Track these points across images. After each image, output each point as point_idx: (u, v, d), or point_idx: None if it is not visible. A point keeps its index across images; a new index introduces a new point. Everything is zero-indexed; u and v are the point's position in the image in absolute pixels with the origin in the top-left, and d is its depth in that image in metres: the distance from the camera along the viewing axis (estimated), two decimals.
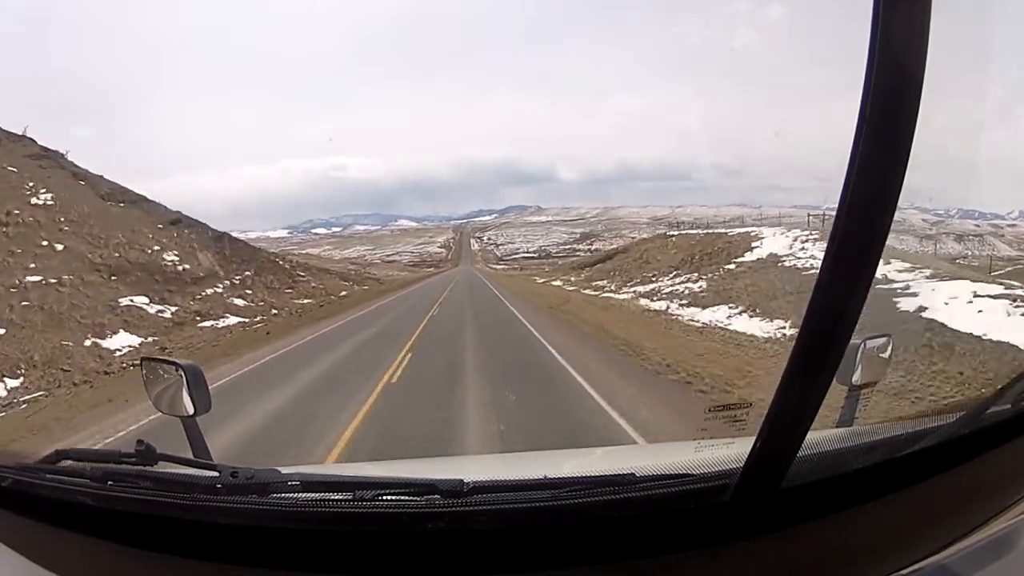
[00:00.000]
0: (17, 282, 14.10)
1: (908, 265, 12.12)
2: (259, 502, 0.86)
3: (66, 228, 17.88)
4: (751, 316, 12.46)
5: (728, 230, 24.18)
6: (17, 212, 17.09)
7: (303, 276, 29.22)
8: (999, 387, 0.96)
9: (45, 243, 16.47)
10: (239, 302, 19.90)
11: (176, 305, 16.98)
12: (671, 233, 31.22)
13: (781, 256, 16.68)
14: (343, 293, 29.43)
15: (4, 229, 16.11)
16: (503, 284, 34.99)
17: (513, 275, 53.24)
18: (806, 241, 17.48)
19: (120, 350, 12.85)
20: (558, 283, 32.82)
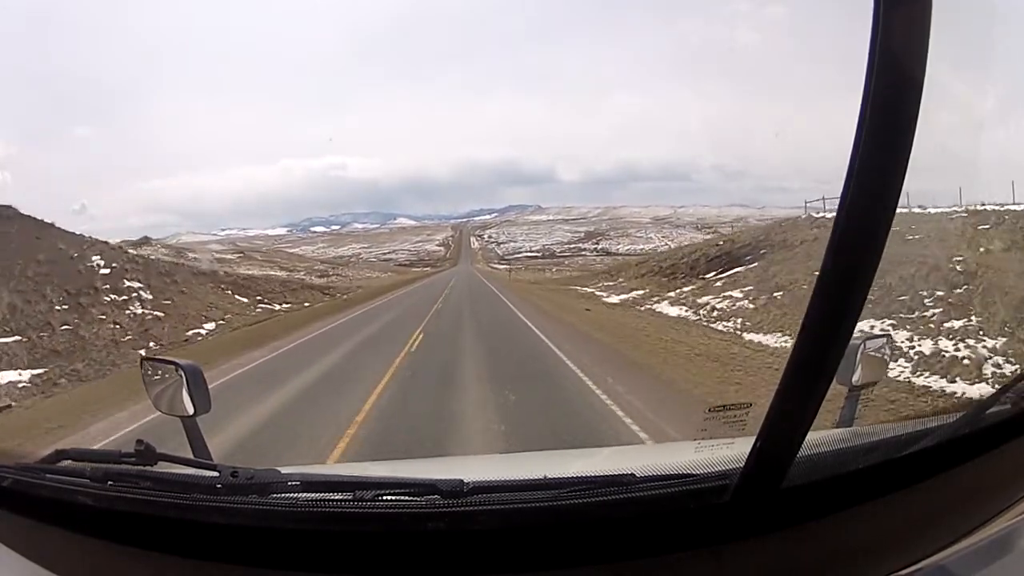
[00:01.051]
0: None
1: None
2: (259, 502, 0.86)
3: None
4: None
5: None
6: None
7: (124, 293, 15.14)
8: (999, 387, 0.96)
9: None
10: None
11: None
12: (826, 214, 17.61)
13: None
14: (199, 331, 14.84)
15: None
16: (542, 313, 16.25)
17: (536, 284, 34.46)
18: None
19: None
20: (675, 313, 14.59)
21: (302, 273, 42.55)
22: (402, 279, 48.97)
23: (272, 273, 37.46)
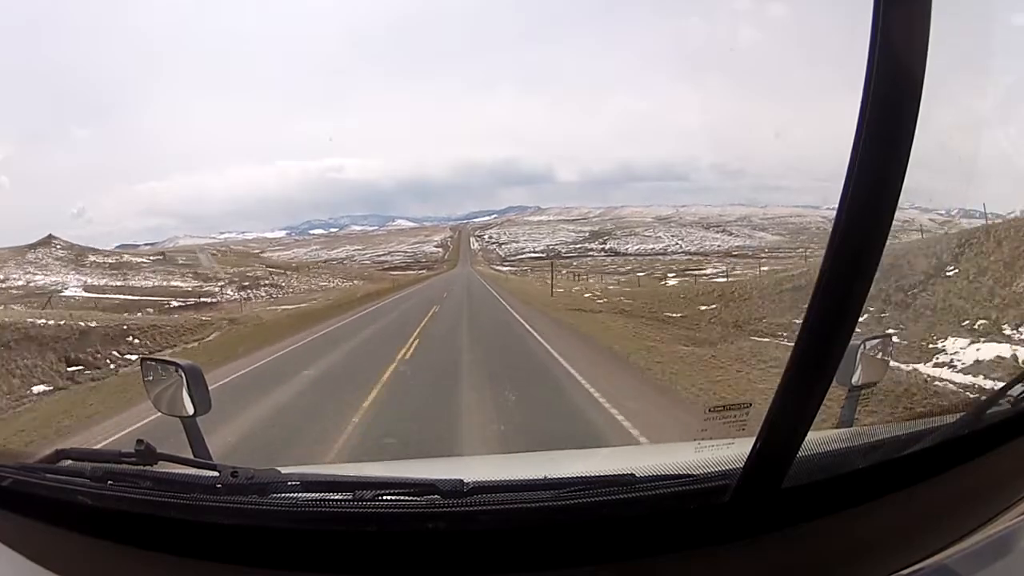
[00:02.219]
0: None
1: None
2: (259, 502, 0.86)
3: None
4: None
5: None
6: None
7: None
8: (999, 387, 0.96)
9: None
10: None
11: None
12: None
13: None
14: None
15: None
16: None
17: (629, 316, 14.20)
18: None
19: None
20: None
21: (220, 284, 32.03)
22: (370, 291, 30.32)
23: (173, 284, 29.50)
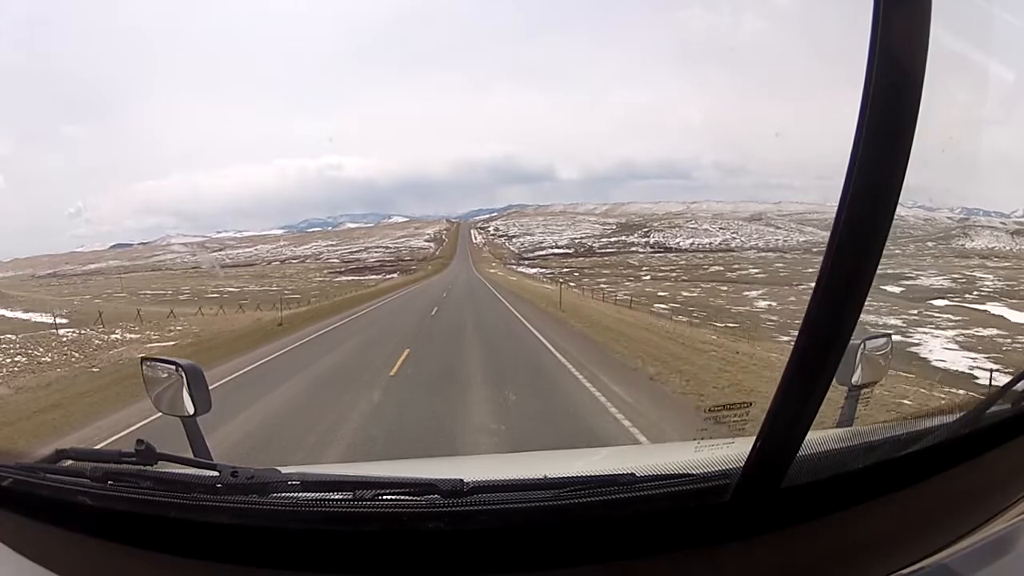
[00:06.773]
0: None
1: None
2: (259, 502, 0.86)
3: None
4: None
5: None
6: None
7: None
8: (999, 387, 0.96)
9: None
10: None
11: None
12: None
13: None
14: None
15: None
16: None
17: None
18: None
19: None
20: None
21: None
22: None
23: None
